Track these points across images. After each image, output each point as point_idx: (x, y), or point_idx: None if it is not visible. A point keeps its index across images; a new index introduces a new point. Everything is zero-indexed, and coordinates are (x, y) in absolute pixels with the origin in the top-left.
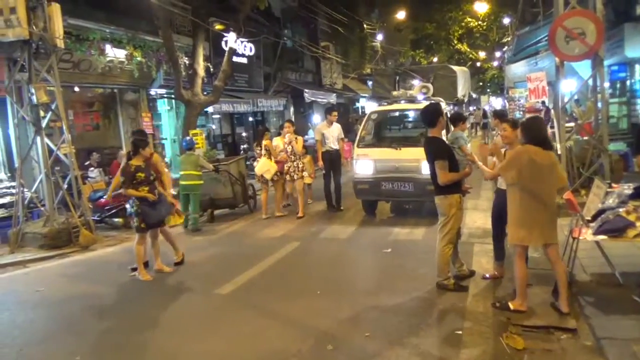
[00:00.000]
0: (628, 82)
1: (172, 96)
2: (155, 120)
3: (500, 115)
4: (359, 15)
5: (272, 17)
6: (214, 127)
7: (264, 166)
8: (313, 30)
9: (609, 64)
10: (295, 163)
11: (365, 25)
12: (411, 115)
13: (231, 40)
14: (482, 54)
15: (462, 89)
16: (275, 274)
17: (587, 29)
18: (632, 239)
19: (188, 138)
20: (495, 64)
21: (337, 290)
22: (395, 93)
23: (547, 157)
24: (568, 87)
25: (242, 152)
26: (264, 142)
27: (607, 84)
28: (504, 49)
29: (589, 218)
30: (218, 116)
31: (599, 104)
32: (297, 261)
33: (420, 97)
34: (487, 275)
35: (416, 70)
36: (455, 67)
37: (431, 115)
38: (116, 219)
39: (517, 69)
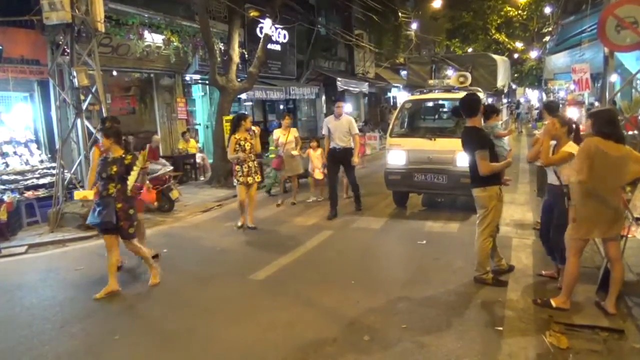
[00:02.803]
0: None
1: (207, 82)
2: (190, 105)
3: (550, 108)
4: (394, 4)
5: (306, 4)
6: (246, 113)
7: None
8: (347, 18)
9: None
10: (255, 163)
11: (400, 14)
12: (447, 105)
13: (266, 26)
14: (519, 45)
15: (502, 78)
16: (309, 262)
17: None
18: None
19: (275, 122)
20: (534, 55)
21: (372, 281)
22: (431, 82)
23: (617, 150)
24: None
25: None
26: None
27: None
28: (544, 40)
29: (638, 215)
30: (250, 103)
31: None
32: (331, 250)
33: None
34: (543, 273)
35: (454, 58)
36: (495, 56)
37: (470, 104)
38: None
39: (559, 60)
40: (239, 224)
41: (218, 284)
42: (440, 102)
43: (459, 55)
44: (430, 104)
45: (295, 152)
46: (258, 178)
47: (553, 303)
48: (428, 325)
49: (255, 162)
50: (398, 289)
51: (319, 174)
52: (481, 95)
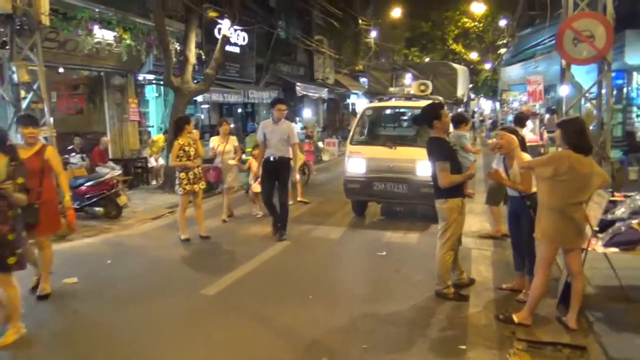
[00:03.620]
0: (625, 90)
1: (161, 82)
2: (143, 106)
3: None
4: (354, 11)
5: (266, 7)
6: (202, 116)
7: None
8: (307, 23)
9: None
10: (200, 169)
11: (360, 21)
12: (408, 113)
13: (225, 27)
14: (474, 56)
15: (462, 88)
16: (264, 275)
17: (596, 32)
18: None
19: (252, 124)
20: (488, 66)
21: (331, 295)
22: (392, 89)
23: (586, 166)
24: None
25: None
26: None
27: (604, 90)
28: (499, 51)
29: (596, 228)
30: (207, 106)
31: (603, 110)
32: (287, 262)
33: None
34: (504, 286)
35: (415, 66)
36: (455, 65)
37: (433, 114)
38: (97, 208)
39: (513, 71)
40: (183, 237)
41: (165, 299)
42: (402, 110)
43: (420, 63)
44: (392, 111)
45: (232, 162)
46: (203, 185)
47: (515, 319)
48: (390, 344)
49: (200, 169)
50: (358, 304)
51: (258, 187)
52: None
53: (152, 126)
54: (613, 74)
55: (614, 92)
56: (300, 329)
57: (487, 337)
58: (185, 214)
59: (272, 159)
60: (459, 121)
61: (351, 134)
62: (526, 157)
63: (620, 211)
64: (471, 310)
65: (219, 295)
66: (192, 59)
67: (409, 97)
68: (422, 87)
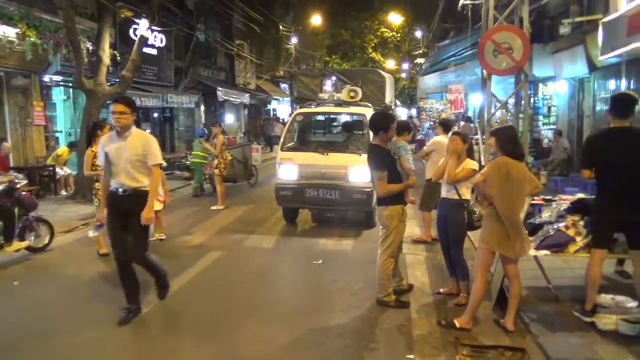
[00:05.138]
0: (532, 100)
1: (70, 84)
2: (49, 110)
3: (446, 126)
4: (275, 16)
5: (184, 8)
6: (104, 121)
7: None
8: (227, 27)
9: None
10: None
11: (281, 27)
12: (340, 119)
13: (142, 27)
14: (390, 64)
15: (389, 94)
16: (197, 290)
17: (515, 45)
18: (573, 254)
19: (200, 129)
20: (404, 75)
21: (271, 309)
22: (321, 95)
23: (519, 172)
24: (475, 100)
25: None
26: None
27: (512, 100)
28: (415, 61)
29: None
30: None
31: (521, 118)
32: (221, 274)
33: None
34: (441, 291)
35: (344, 72)
36: (383, 72)
37: (383, 123)
38: None
39: (430, 80)
40: (101, 251)
41: (86, 321)
42: (334, 115)
43: (350, 70)
44: (323, 117)
45: None
46: None
47: (457, 324)
48: (339, 359)
49: None
50: (300, 317)
51: (155, 203)
52: (370, 111)
53: (60, 131)
54: None
55: (522, 102)
56: (242, 347)
57: (432, 344)
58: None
59: (119, 192)
60: (402, 129)
61: (282, 140)
62: (473, 163)
63: (546, 214)
64: (413, 316)
65: (148, 314)
66: (106, 59)
67: (339, 103)
68: (352, 94)
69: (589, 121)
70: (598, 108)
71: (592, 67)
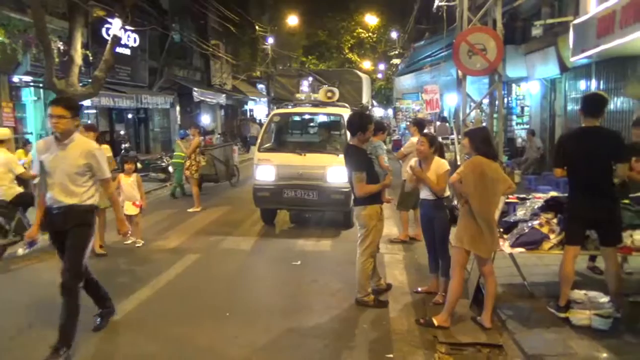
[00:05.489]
0: (505, 100)
1: (41, 85)
2: (18, 111)
3: (420, 125)
4: (250, 16)
5: (159, 8)
6: (89, 122)
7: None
8: (203, 27)
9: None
10: None
11: (257, 27)
12: (317, 119)
13: (115, 27)
14: (367, 65)
15: (366, 95)
16: (174, 293)
17: (488, 46)
18: (548, 251)
19: (182, 130)
20: (380, 75)
21: (249, 311)
22: (298, 95)
23: (493, 170)
24: (452, 101)
25: (122, 151)
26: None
27: (486, 100)
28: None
29: (501, 229)
30: (94, 111)
31: (494, 118)
32: (199, 277)
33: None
34: (419, 289)
35: (321, 73)
36: (360, 73)
37: (361, 124)
38: None
39: (406, 81)
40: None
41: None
42: (311, 116)
43: (327, 70)
44: (300, 118)
45: None
46: None
47: (435, 322)
48: None
49: None
50: (279, 318)
51: (131, 208)
52: (348, 111)
53: (31, 133)
54: None
55: (496, 103)
56: (221, 350)
57: (411, 342)
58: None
59: (54, 209)
60: (377, 129)
61: (259, 140)
62: (443, 162)
63: (521, 213)
64: (392, 315)
65: (125, 318)
66: (78, 59)
67: (316, 104)
68: (329, 94)
69: (561, 121)
70: (569, 108)
71: (563, 67)
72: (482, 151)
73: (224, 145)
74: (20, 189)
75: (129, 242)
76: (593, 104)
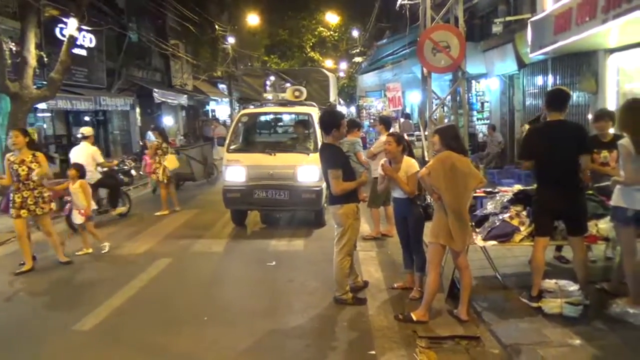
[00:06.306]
0: (466, 96)
1: None
2: None
3: (387, 123)
4: (209, 16)
5: (115, 7)
6: (45, 126)
7: (173, 162)
8: (161, 27)
9: (450, 78)
10: (36, 192)
11: (217, 27)
12: (286, 118)
13: (71, 27)
14: (329, 64)
15: (333, 93)
16: (148, 300)
17: (452, 43)
18: (519, 242)
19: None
20: (342, 74)
21: (228, 314)
22: (266, 95)
23: (464, 164)
24: (414, 98)
25: None
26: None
27: (449, 97)
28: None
29: (472, 223)
30: (49, 114)
31: (459, 114)
32: (172, 281)
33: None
34: (395, 285)
35: (288, 72)
36: (326, 72)
37: (333, 122)
38: None
39: (369, 79)
40: (23, 268)
41: (30, 342)
42: (280, 115)
43: (293, 69)
44: (269, 117)
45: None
46: (47, 208)
47: (414, 317)
48: None
49: (37, 192)
50: (259, 320)
51: (77, 217)
52: (316, 110)
53: None
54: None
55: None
56: (202, 355)
57: (392, 338)
58: (24, 239)
59: None
60: (352, 126)
61: (227, 141)
62: (413, 163)
63: (491, 206)
64: (371, 312)
65: (97, 329)
66: (32, 61)
67: (284, 103)
68: (297, 93)
69: (520, 115)
70: (528, 102)
71: (520, 64)
72: (451, 148)
73: (202, 145)
74: (99, 175)
75: (81, 253)
76: (558, 98)
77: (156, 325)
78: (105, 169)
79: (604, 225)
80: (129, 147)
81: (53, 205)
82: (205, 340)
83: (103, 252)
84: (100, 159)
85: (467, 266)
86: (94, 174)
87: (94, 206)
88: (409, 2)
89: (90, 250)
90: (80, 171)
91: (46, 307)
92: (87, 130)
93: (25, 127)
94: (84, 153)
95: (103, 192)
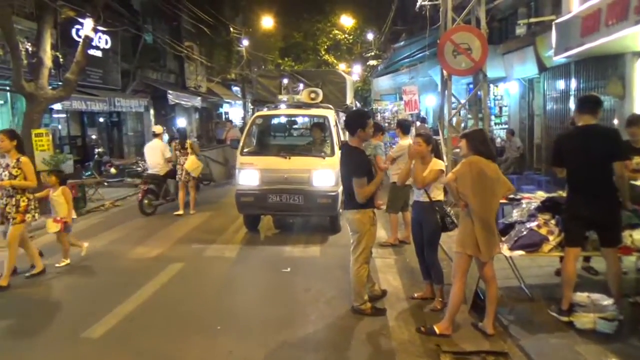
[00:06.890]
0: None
1: (8, 88)
2: None
3: (404, 127)
4: (224, 18)
5: (130, 8)
6: (59, 127)
7: (193, 164)
8: (176, 29)
9: (467, 82)
10: (13, 200)
11: (231, 29)
12: (301, 121)
13: (87, 27)
14: (343, 67)
15: (350, 96)
16: (160, 306)
17: (473, 45)
18: (547, 253)
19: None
20: (356, 77)
21: (242, 322)
22: (281, 97)
23: (492, 171)
24: (430, 102)
25: (96, 156)
26: (188, 141)
27: (463, 100)
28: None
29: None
30: (65, 115)
31: (479, 119)
32: (185, 287)
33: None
34: (415, 295)
35: (304, 74)
36: (343, 74)
37: (359, 122)
38: None
39: (384, 82)
40: (34, 271)
41: (38, 349)
42: (295, 118)
43: (310, 71)
44: (284, 120)
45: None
46: (19, 218)
47: (437, 330)
48: None
49: (14, 200)
50: (274, 331)
51: (52, 225)
52: (332, 112)
53: None
54: (472, 86)
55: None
56: None
57: (414, 353)
58: (26, 244)
59: None
60: (376, 130)
61: (241, 144)
62: (440, 163)
63: (517, 214)
64: (391, 324)
65: (106, 336)
66: (48, 61)
67: (299, 105)
68: (313, 95)
69: (540, 120)
70: (548, 107)
71: (541, 67)
72: (479, 152)
73: (223, 147)
74: (168, 167)
75: (60, 265)
76: (590, 103)
77: (167, 333)
78: (170, 162)
79: (639, 236)
80: (142, 149)
81: (29, 217)
82: (219, 351)
83: (57, 265)
84: (168, 154)
85: (494, 277)
86: (164, 167)
87: (74, 215)
88: (430, 2)
89: (68, 261)
90: (60, 177)
91: (55, 313)
92: (157, 128)
93: (39, 127)
94: (156, 148)
95: (170, 184)
